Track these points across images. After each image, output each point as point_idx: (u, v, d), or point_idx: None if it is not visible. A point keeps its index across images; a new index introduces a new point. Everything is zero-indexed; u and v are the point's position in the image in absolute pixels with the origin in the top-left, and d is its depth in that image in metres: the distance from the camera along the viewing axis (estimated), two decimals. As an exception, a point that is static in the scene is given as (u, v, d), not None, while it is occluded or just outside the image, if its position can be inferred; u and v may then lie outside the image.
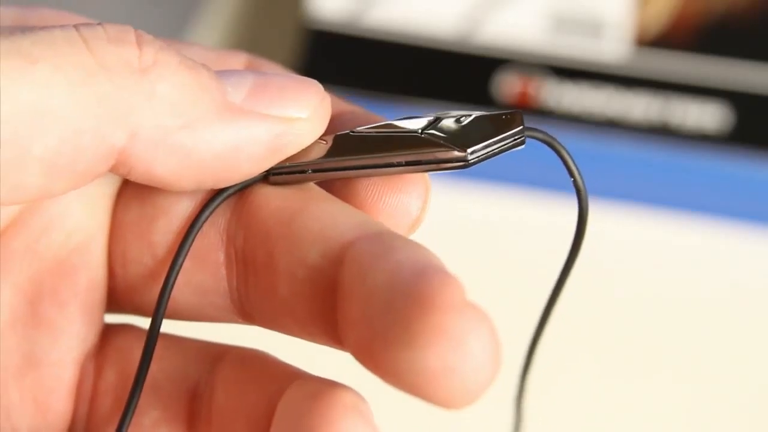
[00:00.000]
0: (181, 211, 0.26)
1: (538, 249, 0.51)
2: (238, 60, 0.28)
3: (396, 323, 0.22)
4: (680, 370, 0.50)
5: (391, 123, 0.26)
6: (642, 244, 0.53)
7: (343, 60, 0.53)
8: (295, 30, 0.55)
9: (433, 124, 0.25)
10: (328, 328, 0.24)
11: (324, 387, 0.24)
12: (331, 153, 0.25)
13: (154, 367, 0.26)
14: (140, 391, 0.25)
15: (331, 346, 0.25)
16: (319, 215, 0.25)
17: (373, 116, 0.27)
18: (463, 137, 0.25)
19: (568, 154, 0.25)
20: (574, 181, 0.25)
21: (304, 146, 0.25)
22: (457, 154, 0.25)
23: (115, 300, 0.27)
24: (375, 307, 0.22)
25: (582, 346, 0.50)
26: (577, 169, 0.25)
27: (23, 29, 0.23)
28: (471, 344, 0.21)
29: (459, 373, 0.21)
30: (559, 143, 0.25)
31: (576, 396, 0.48)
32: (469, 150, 0.25)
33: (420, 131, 0.25)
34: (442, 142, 0.25)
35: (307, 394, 0.24)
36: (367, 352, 0.22)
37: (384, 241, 0.23)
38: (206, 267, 0.26)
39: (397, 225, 0.26)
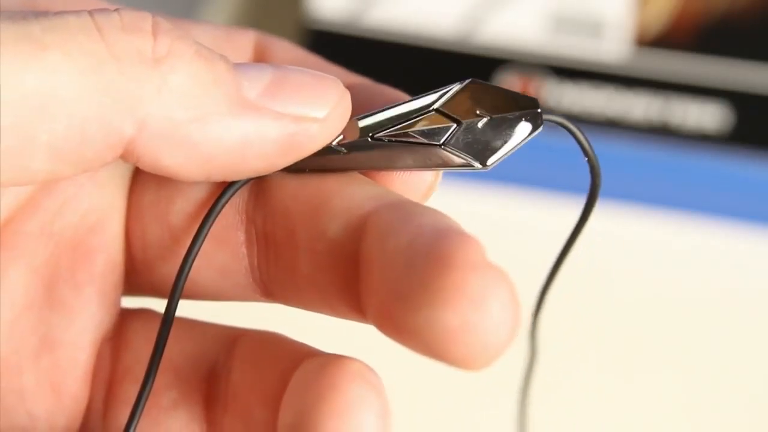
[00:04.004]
0: (199, 192, 0.26)
1: (538, 249, 0.51)
2: (248, 37, 0.28)
3: (416, 283, 0.22)
4: (679, 370, 0.50)
5: (407, 121, 0.25)
6: (642, 244, 0.53)
7: (343, 60, 0.53)
8: (295, 30, 0.55)
9: (452, 131, 0.25)
10: (350, 299, 0.24)
11: (333, 358, 0.24)
12: (350, 160, 0.25)
13: (172, 349, 0.26)
14: (156, 370, 0.25)
15: (353, 319, 0.24)
16: (338, 189, 0.24)
17: (384, 88, 0.27)
18: (483, 146, 0.25)
19: (582, 134, 0.26)
20: (588, 160, 0.26)
21: (318, 147, 0.25)
22: (478, 166, 0.25)
23: (134, 282, 0.27)
24: (395, 270, 0.22)
25: (580, 346, 0.50)
26: (591, 148, 0.26)
27: (36, 14, 0.23)
28: (490, 302, 0.21)
29: (478, 331, 0.21)
30: (572, 124, 0.25)
31: (575, 395, 0.48)
32: (489, 162, 0.25)
33: (441, 145, 0.25)
34: (463, 157, 0.25)
35: (317, 365, 0.24)
36: (388, 315, 0.22)
37: (404, 208, 0.23)
38: (226, 247, 0.26)
39: (411, 193, 0.25)
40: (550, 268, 0.29)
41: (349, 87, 0.25)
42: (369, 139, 0.25)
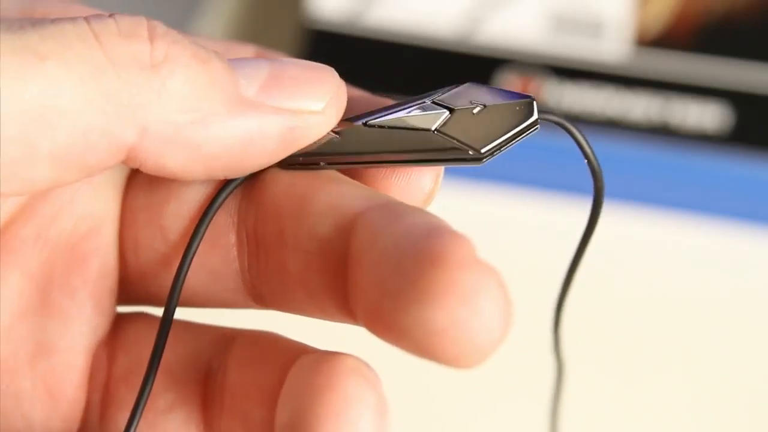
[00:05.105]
0: (192, 194, 0.26)
1: (538, 249, 0.51)
2: (247, 52, 0.28)
3: (405, 281, 0.22)
4: (678, 371, 0.50)
5: (402, 111, 0.25)
6: (642, 244, 0.53)
7: (343, 60, 0.53)
8: (295, 30, 0.55)
9: (446, 118, 0.25)
10: (339, 300, 0.24)
11: (328, 355, 0.23)
12: (343, 146, 0.25)
13: (167, 351, 0.26)
14: (155, 375, 0.25)
15: (343, 321, 0.24)
16: (329, 191, 0.24)
17: (382, 101, 0.27)
18: (476, 133, 0.25)
19: (582, 135, 0.26)
20: (588, 162, 0.26)
21: (317, 138, 0.25)
22: (471, 154, 0.25)
23: (127, 290, 0.27)
24: (384, 269, 0.22)
25: (580, 346, 0.50)
26: (591, 149, 0.26)
27: (33, 23, 0.23)
28: (481, 300, 0.21)
29: (469, 329, 0.21)
30: (571, 125, 0.25)
31: (577, 395, 0.48)
32: (483, 150, 0.25)
33: (434, 130, 0.25)
34: (456, 143, 0.25)
35: (312, 362, 0.24)
36: (377, 315, 0.22)
37: (394, 208, 0.23)
38: (217, 249, 0.26)
39: (410, 200, 0.25)
40: (563, 279, 0.28)
41: (348, 98, 0.25)
42: (363, 125, 0.25)
